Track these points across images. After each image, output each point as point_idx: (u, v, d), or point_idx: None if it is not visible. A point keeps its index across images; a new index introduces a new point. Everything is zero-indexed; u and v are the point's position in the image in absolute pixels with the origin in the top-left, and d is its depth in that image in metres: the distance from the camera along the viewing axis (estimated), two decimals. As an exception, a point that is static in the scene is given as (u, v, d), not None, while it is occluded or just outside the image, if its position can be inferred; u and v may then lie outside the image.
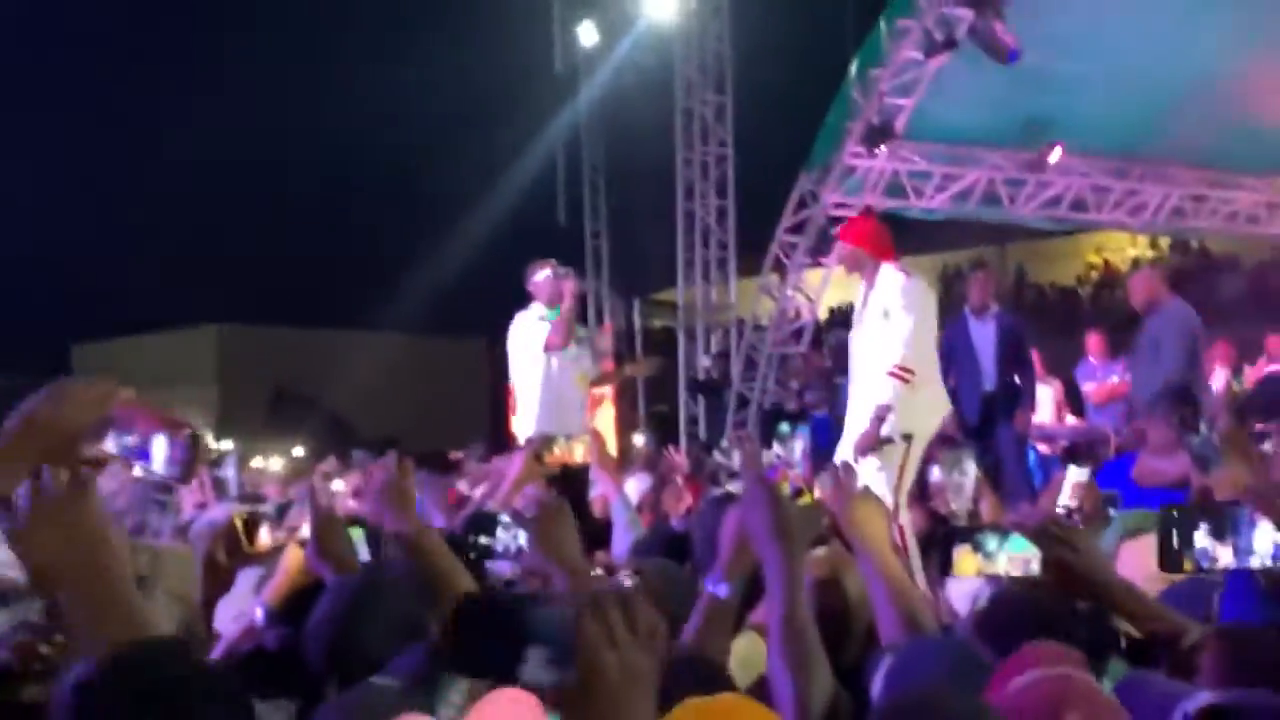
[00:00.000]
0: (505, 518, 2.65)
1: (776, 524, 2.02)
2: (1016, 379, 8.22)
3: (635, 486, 7.07)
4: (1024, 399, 8.15)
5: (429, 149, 16.59)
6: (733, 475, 6.90)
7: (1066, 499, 3.30)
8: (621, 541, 4.06)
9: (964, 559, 2.16)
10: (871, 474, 5.19)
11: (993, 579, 2.17)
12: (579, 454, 4.74)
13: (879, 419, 5.39)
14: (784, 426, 3.26)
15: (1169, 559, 2.03)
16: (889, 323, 5.51)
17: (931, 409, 5.63)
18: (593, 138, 15.45)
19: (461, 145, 16.53)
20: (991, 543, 2.13)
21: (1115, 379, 9.48)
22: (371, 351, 21.72)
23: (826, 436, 7.67)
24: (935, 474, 4.86)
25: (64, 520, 1.48)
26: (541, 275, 6.53)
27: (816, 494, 3.75)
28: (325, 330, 22.91)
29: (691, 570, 2.86)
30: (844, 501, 2.32)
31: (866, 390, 5.55)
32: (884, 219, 11.41)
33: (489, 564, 2.68)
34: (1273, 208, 12.47)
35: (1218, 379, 10.07)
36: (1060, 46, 9.83)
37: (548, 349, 6.36)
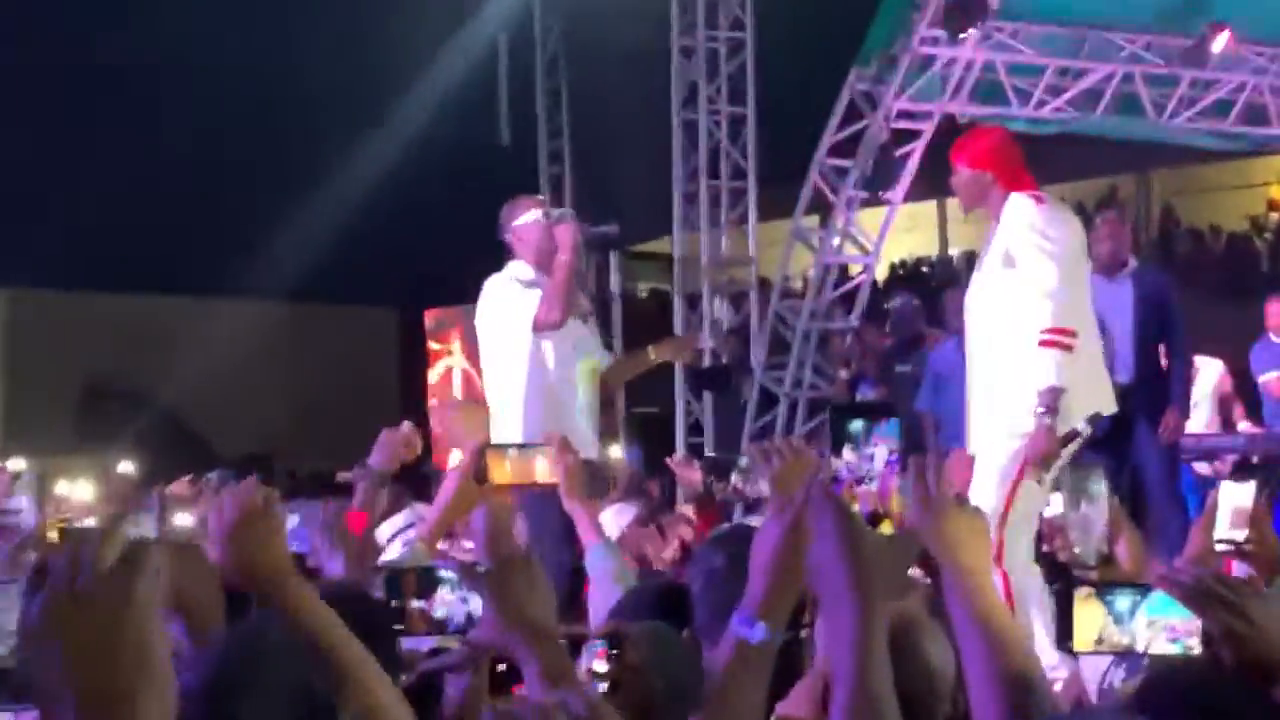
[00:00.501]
0: (447, 572, 2.69)
1: (855, 563, 2.07)
2: (1164, 365, 8.24)
3: (614, 520, 7.09)
4: (1174, 394, 8.18)
5: (318, 44, 16.51)
6: (752, 507, 6.91)
7: (1225, 530, 3.26)
8: (606, 598, 4.12)
9: (1087, 622, 2.21)
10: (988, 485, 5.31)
11: (1128, 656, 2.18)
12: (540, 471, 4.67)
13: (1049, 409, 5.49)
14: (856, 424, 3.19)
15: None
16: (1016, 271, 5.66)
17: (1096, 386, 5.81)
18: (549, 19, 15.39)
19: (363, 36, 16.46)
20: (1124, 602, 2.19)
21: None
22: (232, 327, 21.65)
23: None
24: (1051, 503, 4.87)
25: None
26: (526, 218, 6.41)
27: (899, 517, 3.82)
28: (165, 297, 22.90)
29: (691, 636, 2.99)
30: (934, 514, 2.35)
31: (999, 372, 5.69)
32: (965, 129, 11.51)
33: (406, 643, 2.71)
34: None
35: None
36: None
37: (538, 328, 6.20)
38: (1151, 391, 8.14)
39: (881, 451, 4.12)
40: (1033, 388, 5.50)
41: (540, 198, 6.92)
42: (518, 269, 6.37)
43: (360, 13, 15.97)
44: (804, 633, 2.60)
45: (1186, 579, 2.09)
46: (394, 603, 2.73)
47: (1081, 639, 2.25)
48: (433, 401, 14.00)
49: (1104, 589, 2.22)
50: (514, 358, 6.27)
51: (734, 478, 6.89)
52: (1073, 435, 5.52)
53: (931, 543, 2.36)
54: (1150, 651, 2.18)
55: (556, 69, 15.53)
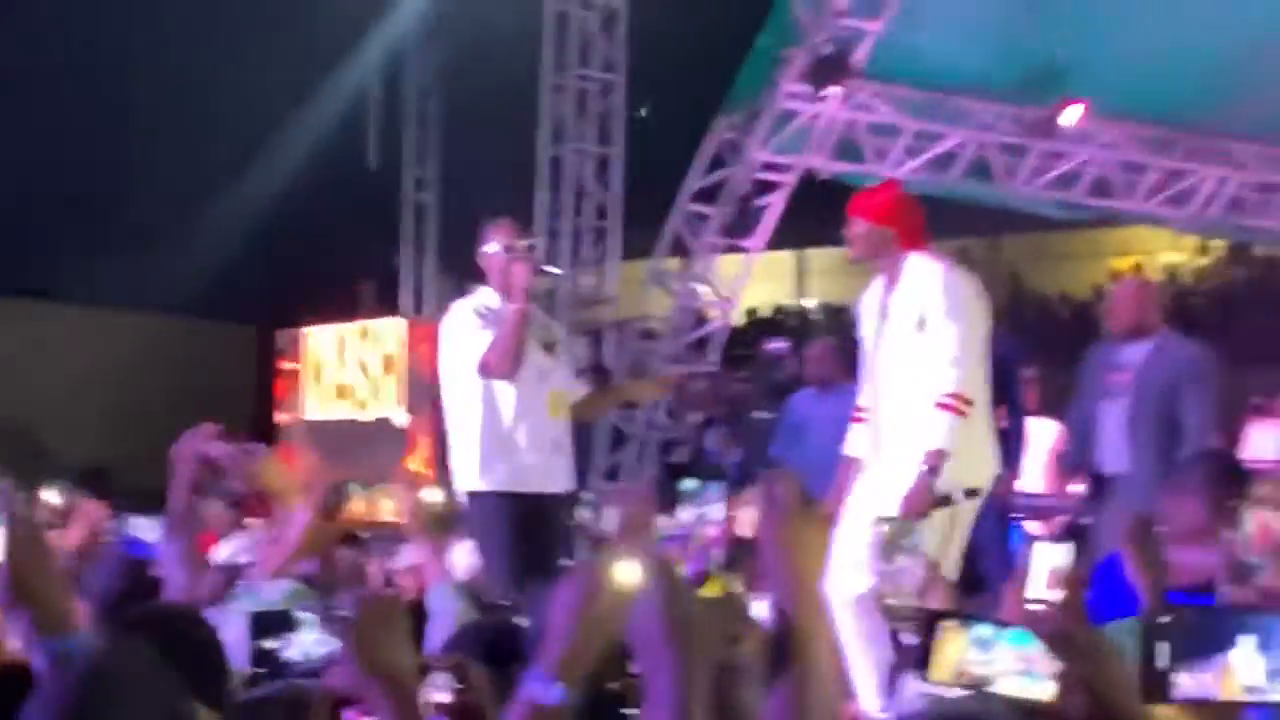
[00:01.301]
0: (306, 614, 2.63)
1: (674, 624, 2.06)
2: (1003, 424, 8.45)
3: (466, 556, 7.06)
4: (1007, 454, 8.36)
5: (200, 59, 16.32)
6: (598, 543, 6.95)
7: (1041, 590, 3.38)
8: (444, 638, 4.05)
9: (950, 652, 2.20)
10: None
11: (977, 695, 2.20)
12: (387, 510, 4.65)
13: (932, 468, 5.53)
14: (689, 483, 3.21)
15: (1152, 683, 2.09)
16: (926, 335, 5.68)
17: (980, 458, 5.80)
18: (423, 48, 15.39)
19: (246, 55, 16.30)
20: (986, 631, 2.19)
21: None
22: (77, 336, 21.33)
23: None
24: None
25: None
26: (490, 246, 6.16)
27: (733, 585, 3.80)
28: (12, 301, 22.48)
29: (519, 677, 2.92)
30: (775, 514, 2.31)
31: (900, 430, 5.70)
32: (833, 191, 11.71)
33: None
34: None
35: (1265, 443, 10.45)
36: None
37: (483, 373, 6.00)
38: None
39: (715, 510, 4.13)
40: (921, 447, 5.54)
41: (513, 226, 6.40)
42: (485, 296, 6.17)
43: (245, 31, 15.82)
44: (619, 684, 2.57)
45: (1049, 624, 2.11)
46: (258, 644, 2.68)
47: (941, 670, 2.23)
48: (282, 418, 13.95)
49: (967, 619, 2.23)
50: (468, 397, 6.08)
51: (580, 513, 6.91)
52: (944, 500, 5.60)
53: (772, 552, 2.30)
54: (1001, 687, 2.16)
55: (427, 98, 15.50)
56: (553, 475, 6.03)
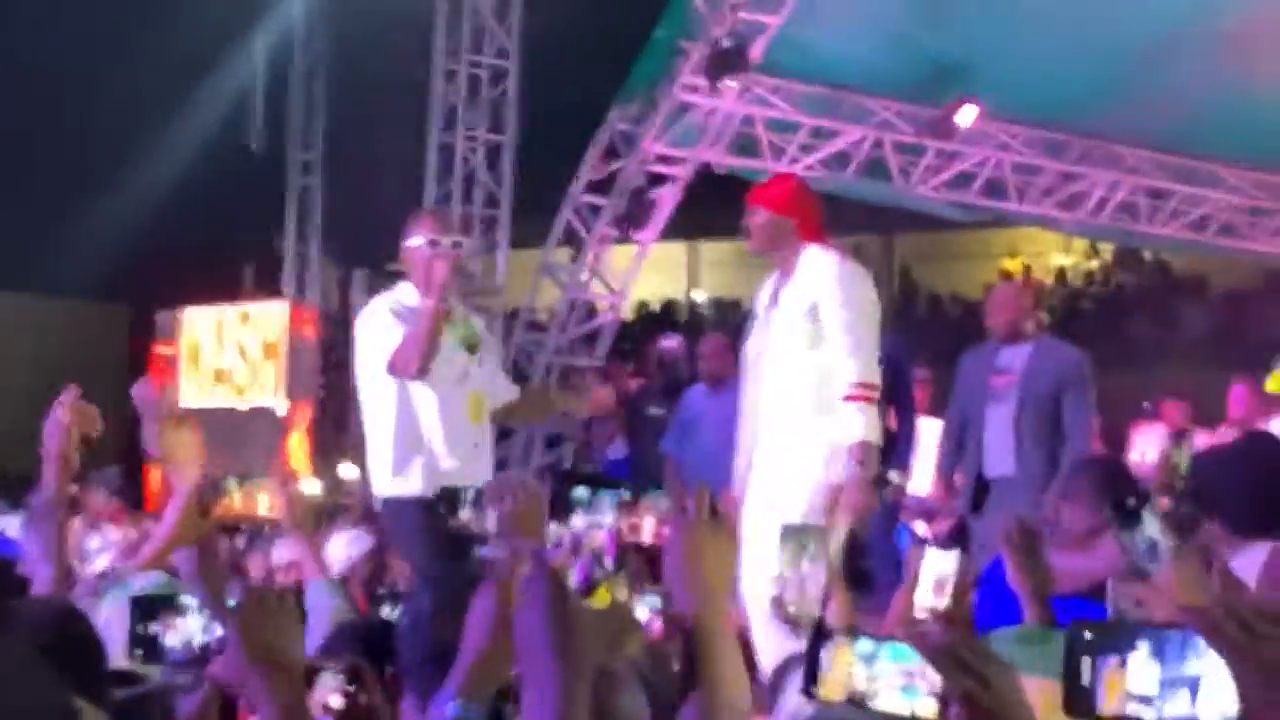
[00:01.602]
0: (189, 599, 2.57)
1: (560, 632, 2.07)
2: (892, 424, 8.45)
3: (345, 548, 6.92)
4: (899, 453, 8.37)
5: (62, 41, 16.06)
6: (481, 541, 6.82)
7: (928, 596, 3.32)
8: (320, 635, 4.06)
9: (840, 668, 2.20)
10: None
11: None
12: (263, 505, 4.51)
13: (863, 462, 5.61)
14: (581, 492, 3.11)
15: (1077, 698, 2.05)
16: (820, 325, 5.74)
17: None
18: (311, 26, 15.19)
19: (118, 34, 16.03)
20: (867, 646, 2.19)
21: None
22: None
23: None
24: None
25: None
26: (413, 240, 5.93)
27: (620, 592, 3.80)
28: None
29: (393, 676, 3.06)
30: (684, 527, 2.37)
31: (797, 425, 5.74)
32: (727, 183, 11.67)
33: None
34: (1257, 215, 13.17)
35: (1150, 446, 10.55)
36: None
37: (391, 372, 5.80)
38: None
39: (607, 517, 4.01)
40: (838, 442, 5.61)
41: (440, 218, 6.22)
42: (404, 292, 5.97)
43: (130, 11, 15.52)
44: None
45: (933, 639, 2.08)
46: (138, 628, 2.60)
47: (831, 687, 2.23)
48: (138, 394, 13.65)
49: (850, 634, 2.22)
50: (383, 397, 5.89)
51: (462, 511, 6.73)
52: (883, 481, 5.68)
53: (681, 562, 2.36)
54: (882, 703, 2.17)
55: (314, 78, 15.30)
56: (473, 480, 5.54)
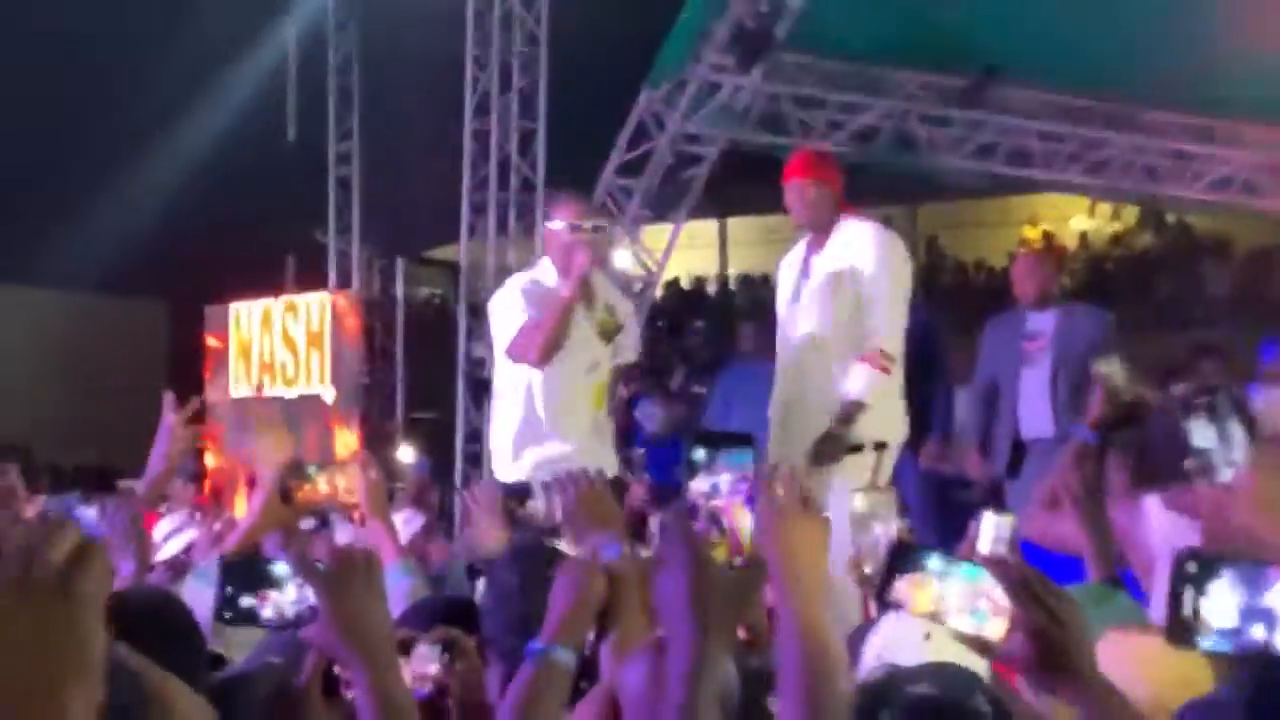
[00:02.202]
0: (281, 565, 2.55)
1: (697, 596, 2.12)
2: (927, 392, 8.59)
3: (402, 528, 7.11)
4: (935, 422, 8.50)
5: (116, 32, 16.09)
6: (551, 532, 6.91)
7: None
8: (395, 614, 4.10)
9: (914, 583, 2.17)
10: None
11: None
12: (345, 490, 4.49)
13: (847, 418, 5.72)
14: (699, 453, 3.04)
15: (1177, 629, 2.06)
16: (855, 290, 5.86)
17: (900, 409, 6.02)
18: (343, 18, 15.31)
19: (163, 28, 16.09)
20: (937, 563, 2.15)
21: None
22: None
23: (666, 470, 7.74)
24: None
25: None
26: (554, 223, 5.82)
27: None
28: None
29: (479, 645, 2.96)
30: (774, 517, 2.35)
31: (817, 382, 5.87)
32: (755, 161, 11.80)
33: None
34: (1278, 175, 13.24)
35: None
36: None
37: (511, 357, 5.68)
38: (913, 420, 8.48)
39: (725, 479, 4.06)
40: (839, 396, 5.74)
41: (582, 201, 5.96)
42: (542, 270, 5.85)
43: (170, 5, 15.64)
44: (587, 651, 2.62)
45: (1014, 570, 2.08)
46: (228, 591, 2.52)
47: (918, 600, 2.17)
48: (206, 398, 13.84)
49: (919, 551, 2.18)
50: (506, 381, 5.81)
51: (531, 503, 6.76)
52: (856, 448, 5.75)
53: (771, 548, 2.34)
54: (949, 621, 2.13)
55: (349, 69, 15.42)
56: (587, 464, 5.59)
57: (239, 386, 13.83)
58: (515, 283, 5.82)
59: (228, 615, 2.56)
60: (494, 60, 13.04)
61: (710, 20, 11.04)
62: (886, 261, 5.92)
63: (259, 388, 13.63)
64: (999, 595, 2.09)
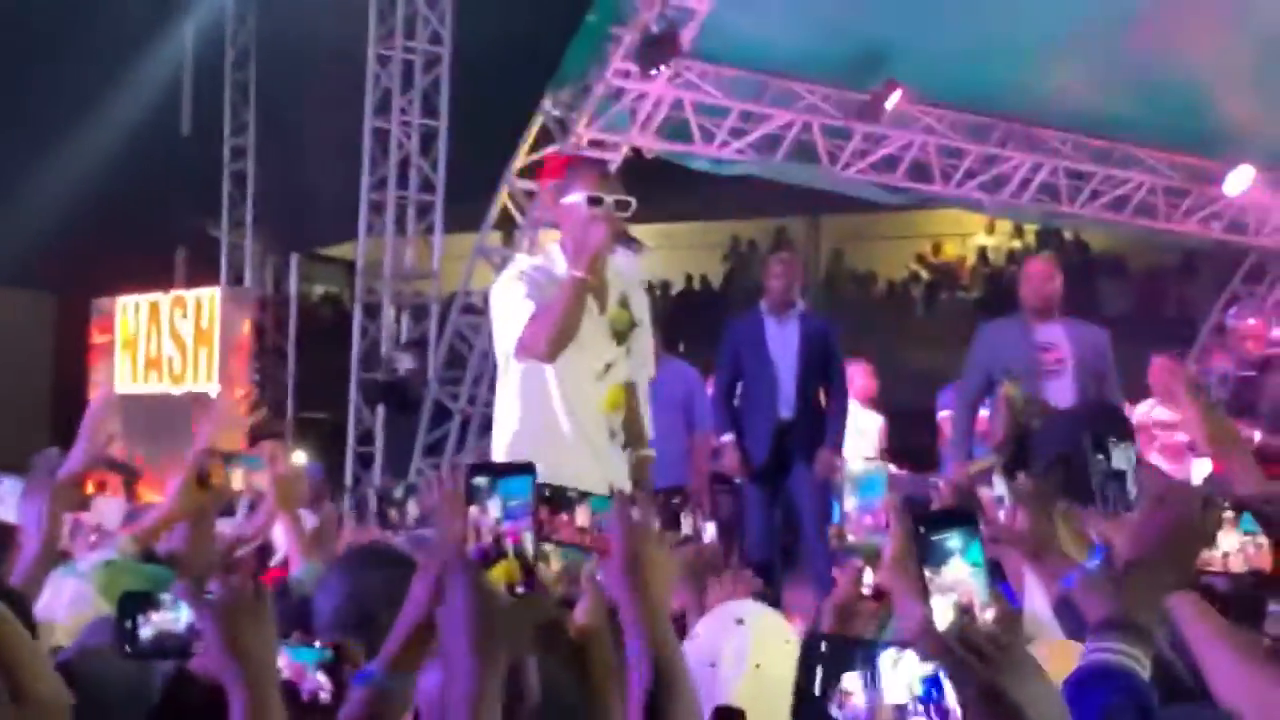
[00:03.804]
0: (168, 595, 2.61)
1: (479, 625, 2.19)
2: (823, 403, 8.68)
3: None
4: (831, 431, 8.60)
5: (27, 23, 15.93)
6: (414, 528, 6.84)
7: (869, 576, 3.40)
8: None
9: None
10: None
11: None
12: (263, 481, 4.36)
13: None
14: (480, 480, 2.93)
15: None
16: None
17: None
18: (242, 10, 15.22)
19: (48, 17, 15.92)
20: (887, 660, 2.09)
21: (987, 412, 10.09)
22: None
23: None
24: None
25: None
26: (572, 196, 5.17)
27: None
28: None
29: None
30: (627, 538, 2.41)
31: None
32: (656, 168, 11.84)
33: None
34: (1173, 195, 13.50)
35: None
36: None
37: (521, 354, 5.14)
38: (811, 428, 8.58)
39: (510, 505, 3.95)
40: None
41: (603, 172, 5.45)
42: (552, 257, 5.28)
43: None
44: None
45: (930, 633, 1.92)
46: (125, 624, 2.61)
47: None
48: (95, 393, 13.68)
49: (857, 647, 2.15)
50: (506, 383, 5.32)
51: (403, 505, 6.54)
52: None
53: (620, 572, 2.41)
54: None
55: (247, 62, 15.32)
56: (598, 475, 5.01)
57: (124, 382, 13.66)
58: (516, 268, 5.25)
59: (126, 648, 2.62)
60: (397, 58, 13.01)
61: (616, 24, 11.05)
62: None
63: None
64: None
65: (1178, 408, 3.98)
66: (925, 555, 1.94)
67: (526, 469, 2.35)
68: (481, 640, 2.18)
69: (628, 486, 5.21)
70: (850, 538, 3.47)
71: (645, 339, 5.47)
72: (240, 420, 4.04)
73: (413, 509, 6.23)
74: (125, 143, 16.34)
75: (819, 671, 2.08)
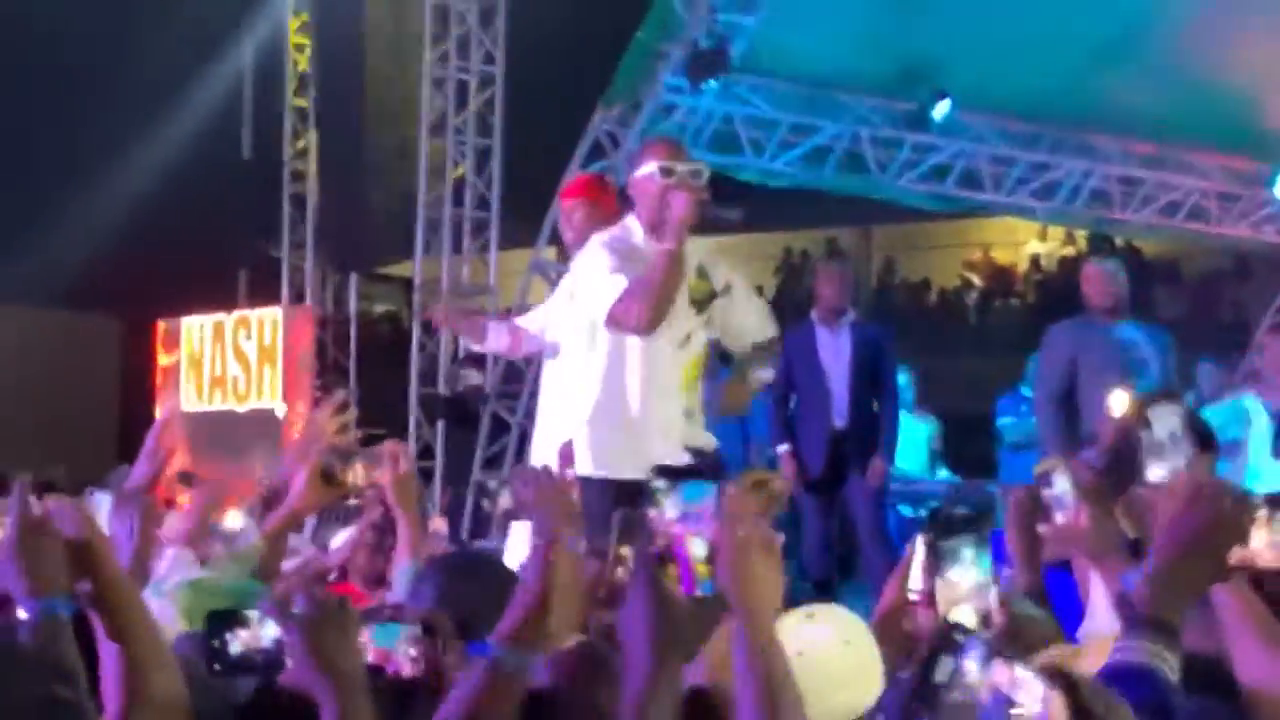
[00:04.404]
0: (254, 612, 2.65)
1: (658, 630, 2.25)
2: (876, 411, 8.69)
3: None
4: (884, 440, 8.61)
5: (50, 49, 16.09)
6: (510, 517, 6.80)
7: (920, 580, 3.38)
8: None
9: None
10: None
11: None
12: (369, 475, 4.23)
13: None
14: (660, 483, 2.90)
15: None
16: None
17: None
18: (301, 35, 15.36)
19: (107, 41, 16.10)
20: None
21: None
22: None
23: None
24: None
25: None
26: (644, 168, 5.13)
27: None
28: None
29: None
30: (733, 549, 2.36)
31: None
32: (710, 182, 11.88)
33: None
34: (1225, 200, 13.44)
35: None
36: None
37: (613, 326, 5.05)
38: (865, 436, 8.60)
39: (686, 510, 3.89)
40: None
41: (673, 143, 5.39)
42: (629, 228, 5.23)
43: (118, 18, 15.61)
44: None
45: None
46: (214, 641, 2.64)
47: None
48: (160, 411, 13.84)
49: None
50: (582, 357, 5.23)
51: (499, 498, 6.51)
52: None
53: (728, 580, 2.37)
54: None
55: (306, 87, 15.46)
56: (677, 456, 4.99)
57: (189, 401, 13.83)
58: (595, 242, 5.17)
59: (215, 666, 2.66)
60: (451, 80, 13.13)
61: (666, 41, 11.12)
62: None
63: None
64: None
65: None
66: (938, 564, 2.03)
67: (713, 474, 2.32)
68: (661, 642, 2.23)
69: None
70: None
71: (738, 304, 5.42)
72: (332, 436, 3.98)
73: (505, 500, 6.22)
74: (187, 167, 16.52)
75: (943, 661, 2.08)
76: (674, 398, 5.18)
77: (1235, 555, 2.39)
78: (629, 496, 4.59)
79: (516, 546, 3.69)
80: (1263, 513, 2.41)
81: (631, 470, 4.74)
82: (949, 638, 2.11)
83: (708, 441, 5.28)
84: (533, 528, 2.92)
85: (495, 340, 6.09)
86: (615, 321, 5.01)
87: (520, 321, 6.14)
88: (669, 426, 5.16)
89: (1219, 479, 2.55)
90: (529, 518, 3.31)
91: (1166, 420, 2.91)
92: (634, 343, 5.08)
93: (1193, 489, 2.43)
